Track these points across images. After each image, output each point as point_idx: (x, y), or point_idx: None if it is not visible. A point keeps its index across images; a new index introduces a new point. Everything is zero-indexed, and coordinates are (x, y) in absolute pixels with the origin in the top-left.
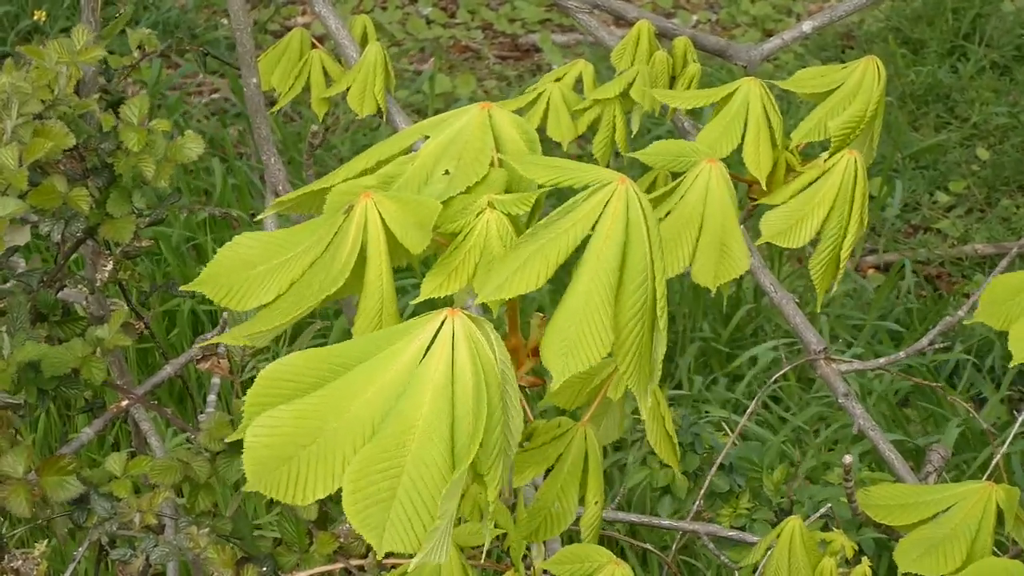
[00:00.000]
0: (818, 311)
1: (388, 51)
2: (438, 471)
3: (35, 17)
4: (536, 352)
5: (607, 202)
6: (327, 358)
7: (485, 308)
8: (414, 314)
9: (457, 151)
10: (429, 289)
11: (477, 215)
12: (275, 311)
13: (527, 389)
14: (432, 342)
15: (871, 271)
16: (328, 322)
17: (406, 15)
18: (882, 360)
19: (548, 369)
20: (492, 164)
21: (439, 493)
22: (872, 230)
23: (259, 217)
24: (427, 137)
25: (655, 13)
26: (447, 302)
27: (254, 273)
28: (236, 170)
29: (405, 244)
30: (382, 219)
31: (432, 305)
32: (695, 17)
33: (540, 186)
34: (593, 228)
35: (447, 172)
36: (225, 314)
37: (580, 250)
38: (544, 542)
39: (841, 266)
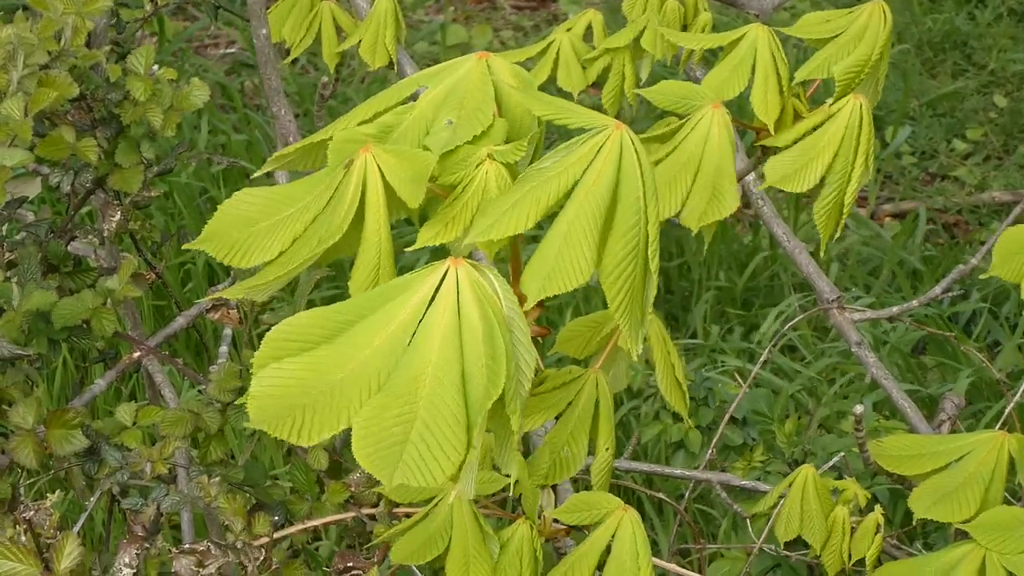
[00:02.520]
0: (821, 255)
1: (403, 2)
2: (451, 414)
3: None
4: (541, 303)
5: (601, 147)
6: (333, 315)
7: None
8: None
9: (458, 100)
10: (426, 237)
11: (476, 166)
12: (277, 265)
13: (537, 340)
14: (437, 290)
15: (888, 219)
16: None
17: None
18: (895, 308)
19: (524, 292)
20: (494, 114)
21: (452, 434)
22: (889, 178)
23: (257, 173)
24: (425, 87)
25: None
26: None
27: (256, 229)
28: (252, 122)
29: (402, 197)
30: (381, 173)
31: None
32: None
33: (539, 123)
34: (584, 172)
35: (449, 122)
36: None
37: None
38: (555, 489)
39: (845, 211)
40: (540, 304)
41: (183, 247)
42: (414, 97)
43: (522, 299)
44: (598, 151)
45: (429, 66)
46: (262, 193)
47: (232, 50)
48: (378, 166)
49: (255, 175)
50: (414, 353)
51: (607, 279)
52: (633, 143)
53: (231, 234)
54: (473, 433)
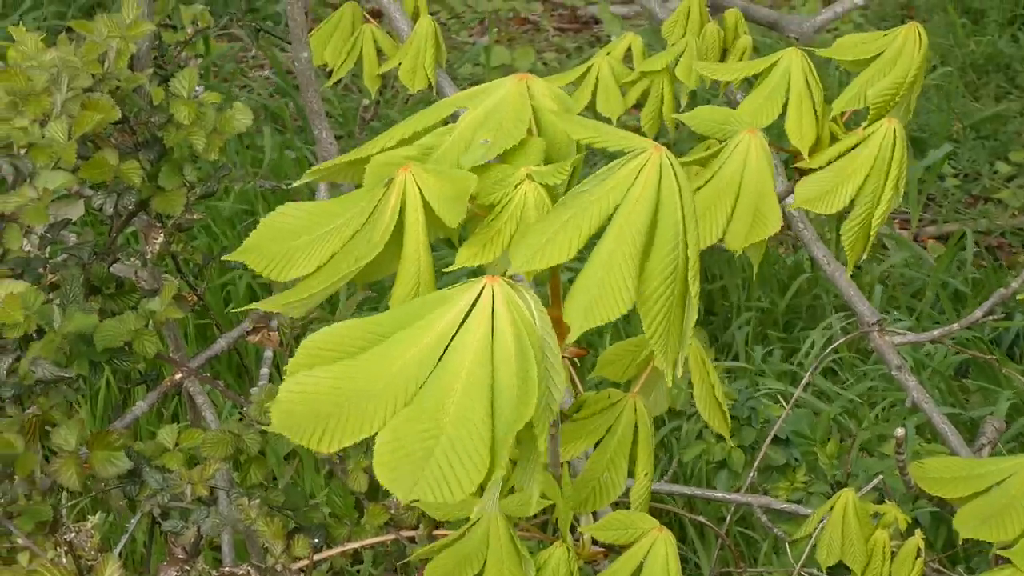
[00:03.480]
0: (847, 275)
1: (448, 24)
2: (477, 432)
3: None
4: None
5: (640, 170)
6: (366, 327)
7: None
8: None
9: (496, 122)
10: (464, 258)
11: (515, 187)
12: (314, 281)
13: (575, 361)
14: (472, 307)
15: (931, 241)
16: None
17: None
18: (936, 331)
19: (568, 324)
20: (531, 132)
21: (477, 454)
22: (932, 200)
23: (297, 183)
24: (465, 108)
25: None
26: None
27: (296, 244)
28: (294, 144)
29: (441, 216)
30: (420, 192)
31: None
32: None
33: (578, 147)
34: (624, 197)
35: (485, 141)
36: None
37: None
38: (593, 513)
39: (872, 233)
40: None
41: (223, 259)
42: (454, 118)
43: (564, 329)
44: (637, 174)
45: (470, 88)
46: (303, 208)
47: (272, 73)
48: (417, 185)
49: (295, 184)
50: (445, 368)
51: (644, 304)
52: (672, 165)
53: (271, 247)
54: (499, 453)
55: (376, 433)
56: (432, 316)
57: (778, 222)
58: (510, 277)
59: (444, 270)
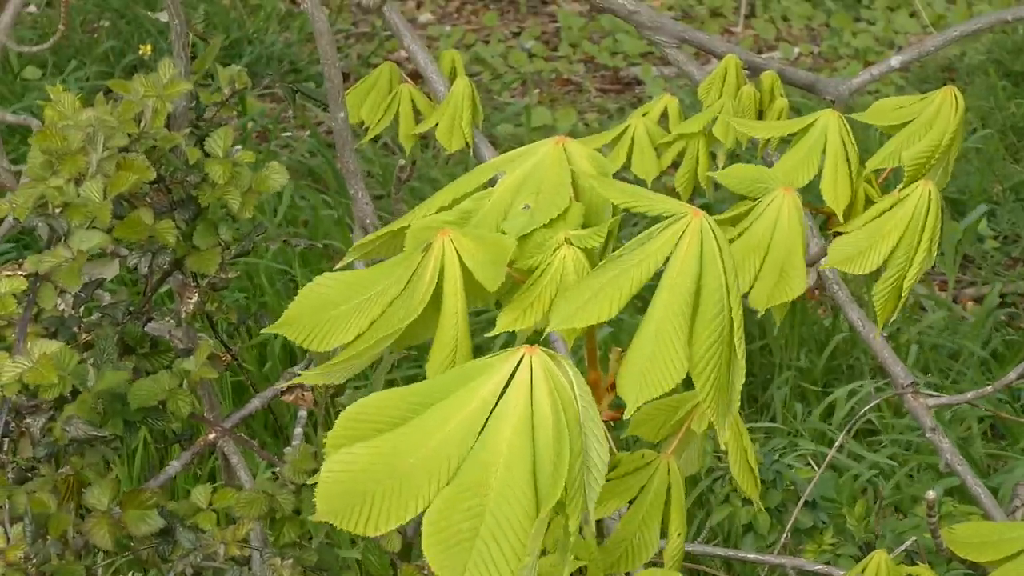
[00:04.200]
0: (877, 336)
1: (489, 84)
2: (522, 509)
3: (140, 52)
4: (615, 386)
5: (682, 234)
6: (405, 397)
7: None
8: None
9: (535, 185)
10: (505, 323)
11: (554, 251)
12: (354, 348)
13: (609, 422)
14: (511, 379)
15: (970, 303)
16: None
17: (508, 48)
18: (970, 394)
19: (623, 398)
20: (570, 198)
21: (522, 530)
22: (971, 262)
23: (339, 265)
24: (503, 172)
25: (757, 44)
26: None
27: (335, 313)
28: (337, 204)
29: (481, 280)
30: (459, 256)
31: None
32: (797, 49)
33: (615, 210)
34: (667, 261)
35: (527, 207)
36: None
37: (654, 283)
38: (626, 575)
39: (904, 294)
40: (614, 387)
41: (262, 331)
42: (492, 182)
43: (600, 392)
44: (679, 240)
45: (513, 148)
46: (340, 277)
47: (317, 131)
48: (456, 249)
49: (338, 267)
50: (485, 443)
51: (695, 368)
52: (712, 229)
53: (310, 318)
54: (541, 530)
55: (421, 512)
56: (470, 387)
57: (802, 284)
58: (546, 339)
59: (486, 335)
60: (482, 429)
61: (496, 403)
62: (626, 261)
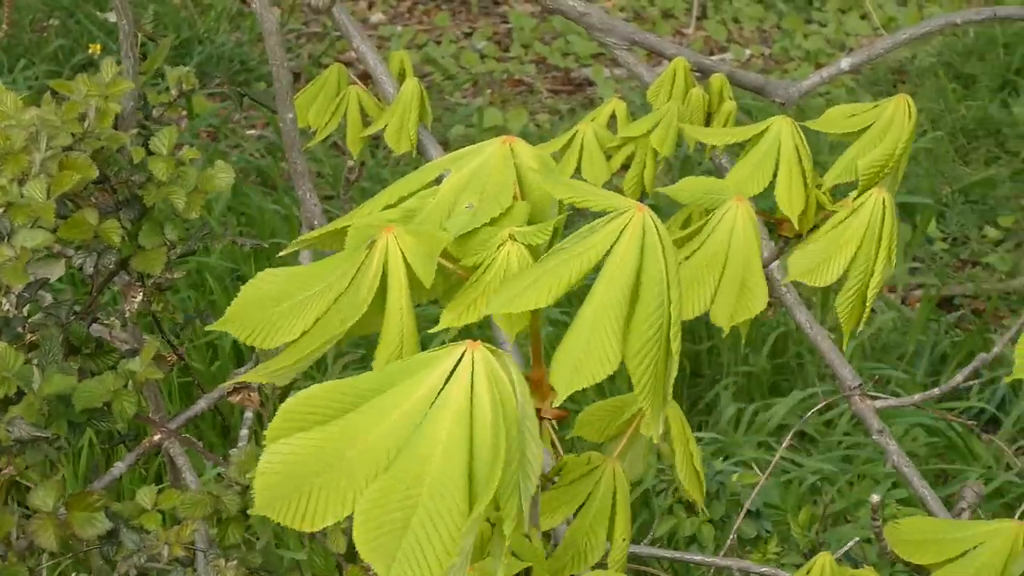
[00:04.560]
0: (844, 347)
1: (441, 85)
2: (455, 503)
3: (89, 51)
4: None
5: (623, 229)
6: (347, 389)
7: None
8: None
9: (480, 184)
10: (448, 319)
11: (498, 247)
12: (300, 347)
13: (554, 422)
14: (452, 373)
15: (918, 304)
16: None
17: (460, 49)
18: (916, 396)
19: (554, 386)
20: (515, 196)
21: (455, 524)
22: (920, 263)
23: (281, 254)
24: (449, 171)
25: (708, 46)
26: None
27: (279, 310)
28: (285, 203)
29: (417, 274)
30: (402, 253)
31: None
32: (748, 51)
33: (560, 208)
34: (607, 253)
35: (470, 206)
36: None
37: (594, 276)
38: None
39: (868, 304)
40: None
41: (207, 328)
42: (439, 181)
43: (545, 390)
44: (620, 233)
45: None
46: (285, 273)
47: (265, 132)
48: (399, 246)
49: (282, 254)
50: (423, 436)
51: (632, 362)
52: (655, 225)
53: (254, 315)
54: (473, 526)
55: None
56: (412, 381)
57: (764, 298)
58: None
59: (429, 331)
60: (422, 420)
61: (436, 397)
62: (567, 252)
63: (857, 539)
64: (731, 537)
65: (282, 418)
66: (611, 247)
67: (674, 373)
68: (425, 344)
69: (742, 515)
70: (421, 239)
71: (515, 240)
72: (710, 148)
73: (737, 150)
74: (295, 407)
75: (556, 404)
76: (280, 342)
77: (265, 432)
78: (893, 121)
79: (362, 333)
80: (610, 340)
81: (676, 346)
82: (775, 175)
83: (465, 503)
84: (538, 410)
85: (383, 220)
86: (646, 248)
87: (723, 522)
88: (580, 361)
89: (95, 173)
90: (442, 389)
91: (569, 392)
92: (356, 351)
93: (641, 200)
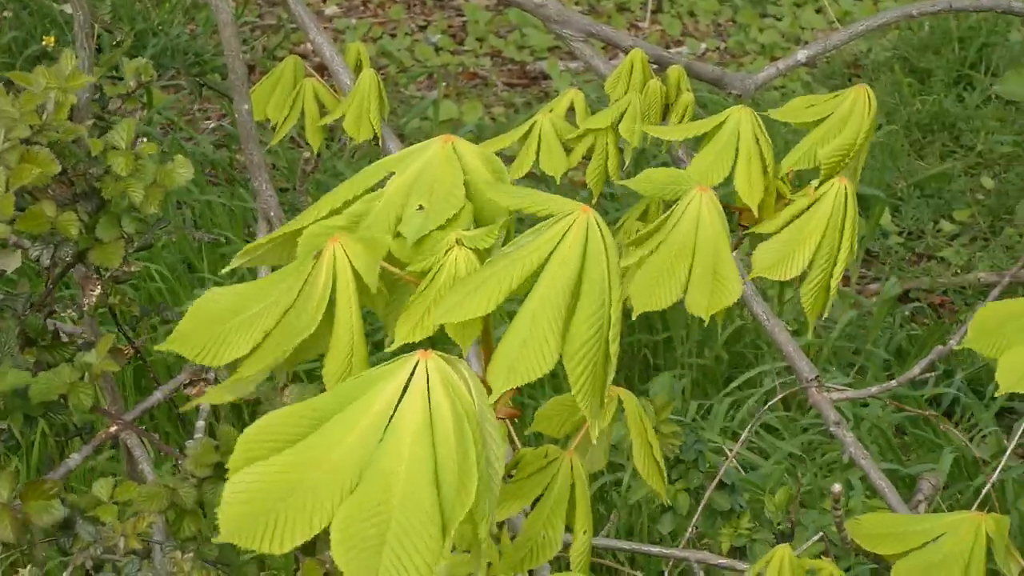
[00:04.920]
0: (809, 337)
1: (396, 78)
2: (426, 514)
3: (44, 43)
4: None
5: (567, 231)
6: (303, 412)
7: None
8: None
9: (427, 185)
10: (403, 335)
11: (446, 252)
12: (251, 362)
13: (509, 420)
14: (407, 384)
15: (873, 299)
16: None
17: (415, 42)
18: (874, 388)
19: (490, 384)
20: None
21: (428, 534)
22: (875, 257)
23: (226, 270)
24: (393, 173)
25: (664, 40)
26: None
27: (228, 327)
28: (237, 195)
29: (365, 281)
30: (351, 262)
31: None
32: (703, 45)
33: (508, 213)
34: (550, 255)
35: (420, 207)
36: None
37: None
38: (532, 572)
39: (831, 293)
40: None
41: (156, 348)
42: (384, 183)
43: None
44: (564, 235)
45: (421, 142)
46: (232, 290)
47: (223, 123)
48: (347, 255)
49: (228, 268)
50: (386, 452)
51: (570, 361)
52: (599, 226)
53: (202, 333)
54: (448, 533)
55: (327, 524)
56: (367, 397)
57: (739, 286)
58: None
59: (386, 350)
60: (383, 436)
61: (394, 411)
62: (510, 256)
63: (821, 532)
64: (691, 528)
65: (242, 449)
66: (554, 249)
67: (612, 374)
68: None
69: (712, 487)
70: (369, 246)
71: (462, 245)
72: (668, 141)
73: (694, 143)
74: (254, 436)
75: (490, 401)
76: (230, 359)
77: (228, 433)
78: (853, 111)
79: (315, 350)
80: (547, 339)
81: (615, 348)
82: (736, 164)
83: (436, 511)
84: None
85: (330, 229)
86: (589, 249)
87: (700, 491)
88: (515, 360)
89: (57, 168)
90: (400, 401)
91: (504, 389)
92: None
93: (603, 191)
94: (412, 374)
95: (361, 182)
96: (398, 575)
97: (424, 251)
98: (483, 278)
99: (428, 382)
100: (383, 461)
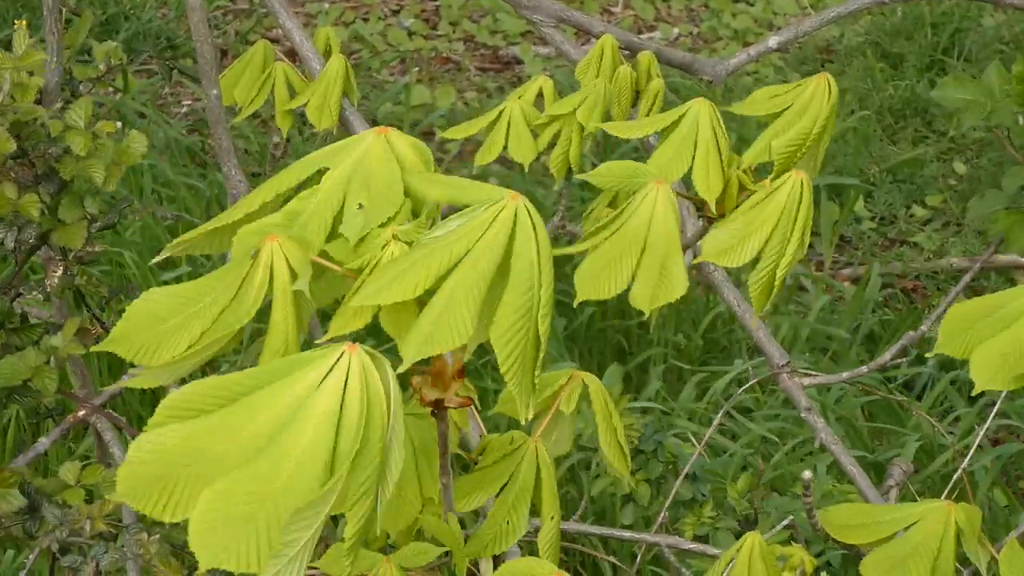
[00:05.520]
0: (754, 326)
1: (368, 62)
2: (301, 503)
3: (15, 26)
4: (462, 373)
5: (496, 217)
6: (225, 386)
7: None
8: None
9: (363, 180)
10: (336, 327)
11: (382, 248)
12: (189, 357)
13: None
14: (327, 375)
15: (846, 284)
16: None
17: (388, 26)
18: (845, 374)
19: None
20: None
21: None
22: (848, 242)
23: (155, 260)
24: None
25: (637, 25)
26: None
27: (165, 328)
28: (209, 178)
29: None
30: (287, 261)
31: None
32: (676, 30)
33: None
34: (478, 240)
35: (360, 206)
36: None
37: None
38: (503, 555)
39: (777, 284)
40: (462, 374)
41: (90, 349)
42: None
43: (443, 375)
44: (492, 220)
45: (394, 127)
46: (169, 291)
47: (196, 107)
48: (284, 255)
49: (155, 260)
50: (289, 433)
51: (498, 342)
52: (529, 212)
53: (139, 335)
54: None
55: None
56: (288, 380)
57: (684, 283)
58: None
59: (316, 342)
60: (290, 422)
61: (309, 398)
62: (437, 242)
63: (791, 517)
64: (662, 513)
65: (162, 412)
66: (481, 236)
67: (542, 355)
68: None
69: (679, 480)
70: (304, 246)
71: (398, 239)
72: None
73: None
74: (176, 401)
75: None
76: (167, 358)
77: None
78: (812, 101)
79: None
80: (463, 314)
81: (544, 328)
82: (694, 159)
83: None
84: (440, 400)
85: (266, 227)
86: (517, 234)
87: (660, 483)
88: (430, 333)
89: (12, 146)
90: (316, 390)
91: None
92: None
93: (568, 178)
94: (334, 365)
95: (292, 175)
96: (246, 550)
97: (364, 248)
98: (409, 264)
99: (347, 375)
100: (283, 443)
